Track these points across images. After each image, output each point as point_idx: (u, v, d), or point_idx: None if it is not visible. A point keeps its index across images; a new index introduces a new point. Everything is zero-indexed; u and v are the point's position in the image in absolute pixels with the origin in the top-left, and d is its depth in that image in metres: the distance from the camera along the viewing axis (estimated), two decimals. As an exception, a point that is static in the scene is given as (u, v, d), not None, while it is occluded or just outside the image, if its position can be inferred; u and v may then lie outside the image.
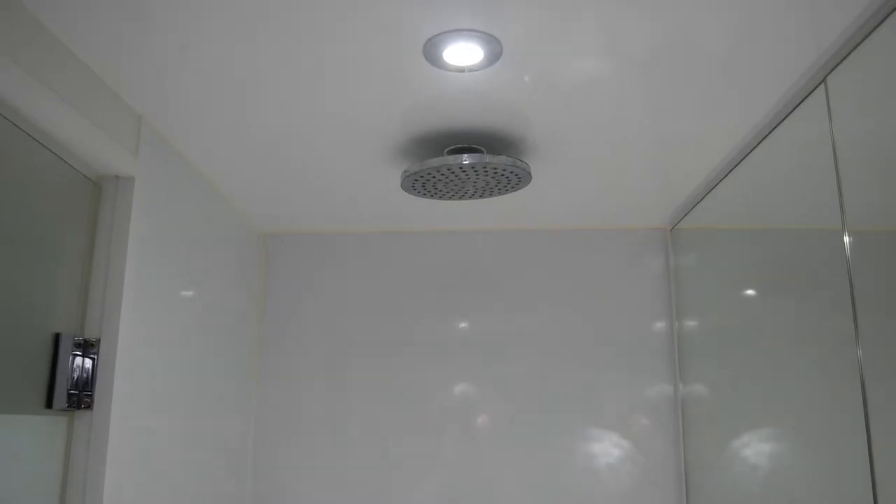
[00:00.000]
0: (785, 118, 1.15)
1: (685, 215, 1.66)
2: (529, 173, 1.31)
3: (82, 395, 1.05)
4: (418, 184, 1.33)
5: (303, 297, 1.83)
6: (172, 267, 1.31)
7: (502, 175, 1.31)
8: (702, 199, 1.55)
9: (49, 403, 1.00)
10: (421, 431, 1.74)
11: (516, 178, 1.33)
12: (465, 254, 1.84)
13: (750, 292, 1.33)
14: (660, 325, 1.77)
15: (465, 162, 1.24)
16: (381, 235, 1.86)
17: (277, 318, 1.82)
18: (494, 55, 1.03)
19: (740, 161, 1.33)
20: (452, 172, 1.28)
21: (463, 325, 1.80)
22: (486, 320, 1.80)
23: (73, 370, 1.04)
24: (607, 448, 1.70)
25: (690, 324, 1.65)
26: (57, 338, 1.02)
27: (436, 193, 1.40)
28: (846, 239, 0.98)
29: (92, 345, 1.08)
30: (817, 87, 1.05)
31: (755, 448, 1.28)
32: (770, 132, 1.21)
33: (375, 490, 1.71)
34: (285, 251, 1.86)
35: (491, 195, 1.42)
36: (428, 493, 1.71)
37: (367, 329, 1.80)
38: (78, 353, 1.05)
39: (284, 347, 1.80)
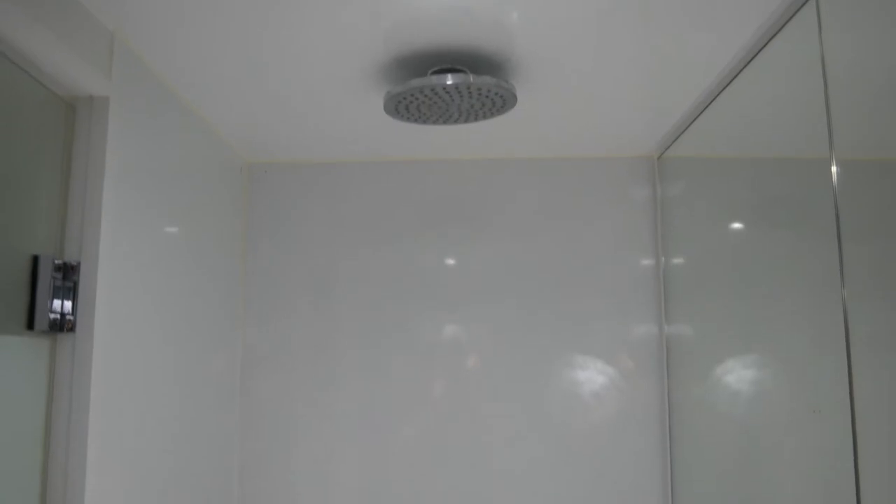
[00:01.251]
0: (774, 36, 1.13)
1: (673, 142, 1.65)
2: (515, 95, 1.29)
3: (64, 318, 1.05)
4: (402, 106, 1.31)
5: (286, 230, 1.82)
6: (152, 193, 1.29)
7: (487, 97, 1.28)
8: (690, 125, 1.53)
9: (30, 325, 1.00)
10: (408, 363, 1.76)
11: (501, 101, 1.31)
12: (450, 184, 1.83)
13: (736, 225, 1.33)
14: (646, 261, 1.77)
15: (448, 82, 1.22)
16: (365, 165, 1.84)
17: (261, 251, 1.82)
18: (478, -33, 1.00)
19: (727, 84, 1.31)
20: (436, 94, 1.26)
21: (448, 257, 1.80)
22: (470, 252, 1.80)
23: (53, 293, 1.03)
24: (592, 376, 1.73)
25: (676, 260, 1.66)
26: (35, 260, 1.01)
27: (420, 117, 1.38)
28: (833, 169, 0.97)
29: (72, 268, 1.07)
30: (807, 1, 1.03)
31: (738, 384, 1.30)
32: (758, 52, 1.18)
33: (362, 422, 1.74)
34: (268, 183, 1.84)
35: (476, 119, 1.40)
36: (416, 426, 1.74)
37: (352, 262, 1.80)
38: (58, 276, 1.04)
39: (269, 279, 1.80)
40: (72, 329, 1.06)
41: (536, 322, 1.76)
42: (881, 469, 0.86)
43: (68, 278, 1.06)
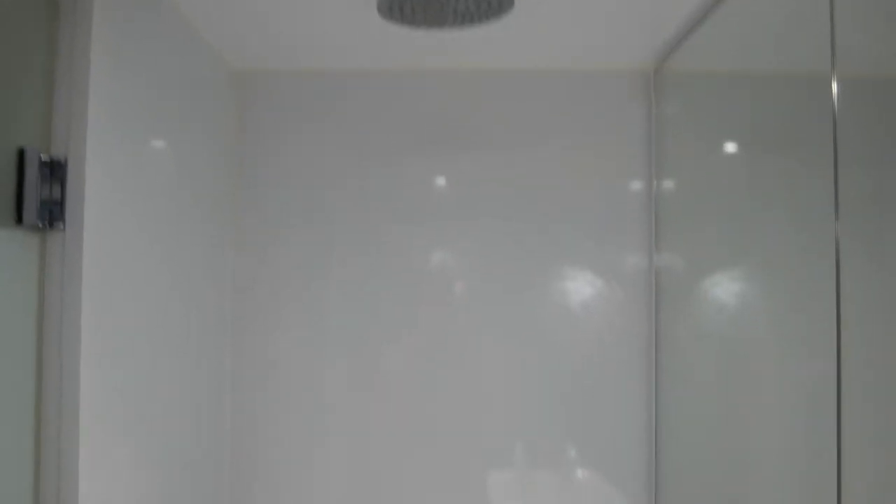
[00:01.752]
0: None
1: (671, 53, 1.61)
2: (512, -3, 1.26)
3: (53, 214, 1.04)
4: (395, 5, 1.27)
5: (276, 145, 1.79)
6: (139, 97, 1.26)
7: (483, -2, 1.25)
8: (689, 34, 1.49)
9: (19, 218, 0.99)
10: (399, 284, 1.76)
11: (497, 3, 1.27)
12: (441, 98, 1.79)
13: (732, 148, 1.31)
14: (638, 184, 1.76)
15: (444, -19, 1.18)
16: (356, 76, 1.79)
17: (250, 165, 1.79)
18: None
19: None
20: (431, -7, 1.22)
21: (437, 175, 1.78)
22: (460, 171, 1.78)
23: (41, 188, 1.02)
24: (580, 299, 1.75)
25: (669, 183, 1.65)
26: (21, 153, 1.00)
27: (414, 21, 1.34)
28: (834, 86, 0.95)
29: (60, 165, 1.05)
30: None
31: (727, 311, 1.31)
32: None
33: (353, 345, 1.76)
34: (258, 96, 1.79)
35: (471, 23, 1.36)
36: (405, 345, 1.76)
37: (341, 180, 1.78)
38: (46, 171, 1.03)
39: (259, 192, 1.78)
40: (61, 227, 1.06)
41: (524, 245, 1.76)
42: (862, 396, 0.89)
43: (56, 175, 1.05)
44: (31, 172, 1.01)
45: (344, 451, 1.75)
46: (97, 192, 1.10)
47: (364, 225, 1.77)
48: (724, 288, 1.33)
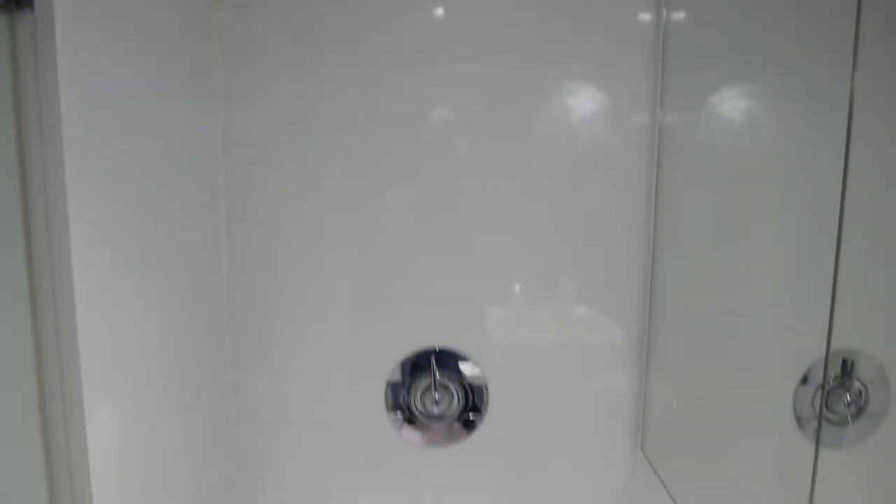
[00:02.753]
0: None
1: None
2: None
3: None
4: None
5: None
6: None
7: None
8: None
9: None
10: (398, 142, 1.67)
11: None
12: None
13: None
14: (646, 15, 1.65)
15: None
16: None
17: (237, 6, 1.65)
18: None
19: None
20: None
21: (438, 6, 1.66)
22: (461, 13, 1.66)
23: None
24: (584, 142, 1.68)
25: (679, 14, 1.54)
26: None
27: None
28: None
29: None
30: None
31: (731, 162, 1.25)
32: None
33: (348, 195, 1.69)
34: None
35: None
36: (406, 185, 1.69)
37: (339, 26, 1.65)
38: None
39: (246, 42, 1.65)
40: (30, 9, 0.95)
41: (521, 81, 1.67)
42: (862, 249, 0.84)
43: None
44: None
45: (342, 296, 1.72)
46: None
47: (360, 59, 1.66)
48: (731, 127, 1.26)
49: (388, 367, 1.74)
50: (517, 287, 1.72)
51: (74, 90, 1.00)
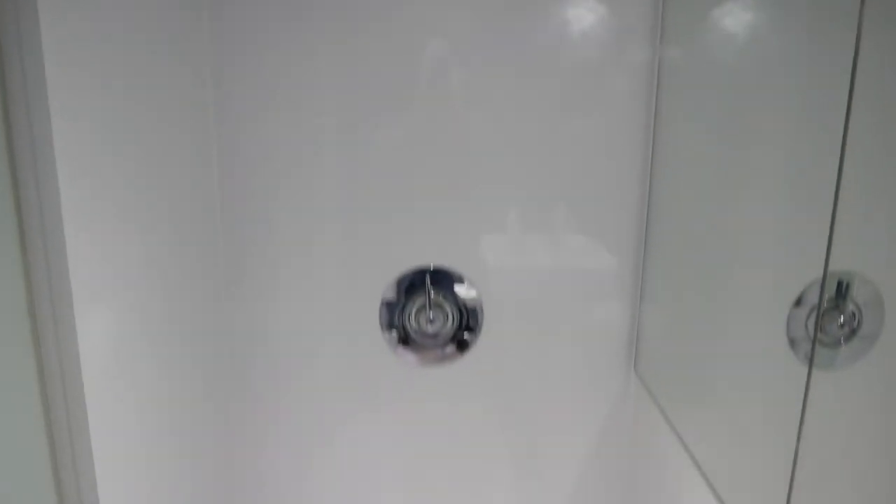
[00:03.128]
0: None
1: None
2: None
3: None
4: None
5: None
6: None
7: None
8: None
9: None
10: (394, 65, 1.60)
11: None
12: None
13: None
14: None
15: None
16: None
17: None
18: None
19: None
20: None
21: None
22: None
23: None
24: (580, 59, 1.61)
25: None
26: None
27: None
28: None
29: None
30: None
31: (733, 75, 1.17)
32: None
33: (344, 117, 1.63)
34: None
35: None
36: (399, 116, 1.64)
37: None
38: None
39: None
40: None
41: (517, 7, 1.59)
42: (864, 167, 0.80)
43: None
44: None
45: (337, 215, 1.69)
46: None
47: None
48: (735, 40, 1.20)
49: (383, 286, 1.73)
50: (513, 213, 1.69)
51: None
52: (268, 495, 1.86)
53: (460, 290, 1.73)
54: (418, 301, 1.73)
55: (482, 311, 1.74)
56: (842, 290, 0.84)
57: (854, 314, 0.82)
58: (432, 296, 1.72)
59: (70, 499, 1.10)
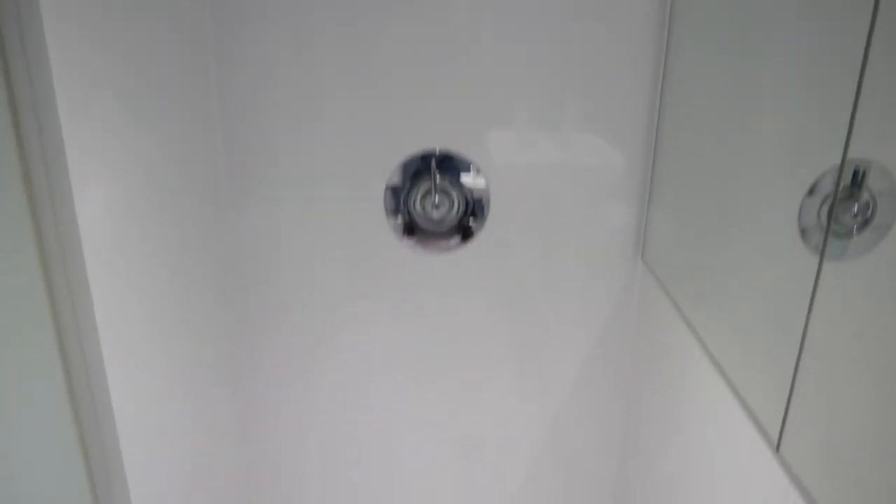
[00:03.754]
0: None
1: None
2: None
3: None
4: None
5: None
6: None
7: None
8: None
9: None
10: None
11: None
12: None
13: None
14: None
15: None
16: None
17: None
18: None
19: None
20: None
21: None
22: None
23: None
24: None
25: None
26: None
27: None
28: None
29: None
30: None
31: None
32: None
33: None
34: None
35: None
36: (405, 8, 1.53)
37: None
38: None
39: None
40: None
41: None
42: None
43: None
44: None
45: (341, 96, 1.63)
46: None
47: None
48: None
49: (388, 170, 1.70)
50: (522, 107, 1.63)
51: None
52: (273, 386, 1.91)
53: (466, 178, 1.69)
54: (423, 187, 1.70)
55: (488, 200, 1.71)
56: (857, 179, 0.79)
57: (868, 203, 0.78)
58: (437, 181, 1.68)
59: (78, 380, 1.12)
